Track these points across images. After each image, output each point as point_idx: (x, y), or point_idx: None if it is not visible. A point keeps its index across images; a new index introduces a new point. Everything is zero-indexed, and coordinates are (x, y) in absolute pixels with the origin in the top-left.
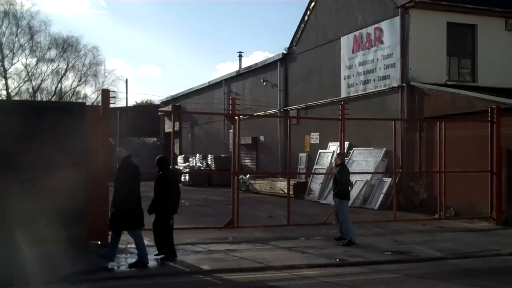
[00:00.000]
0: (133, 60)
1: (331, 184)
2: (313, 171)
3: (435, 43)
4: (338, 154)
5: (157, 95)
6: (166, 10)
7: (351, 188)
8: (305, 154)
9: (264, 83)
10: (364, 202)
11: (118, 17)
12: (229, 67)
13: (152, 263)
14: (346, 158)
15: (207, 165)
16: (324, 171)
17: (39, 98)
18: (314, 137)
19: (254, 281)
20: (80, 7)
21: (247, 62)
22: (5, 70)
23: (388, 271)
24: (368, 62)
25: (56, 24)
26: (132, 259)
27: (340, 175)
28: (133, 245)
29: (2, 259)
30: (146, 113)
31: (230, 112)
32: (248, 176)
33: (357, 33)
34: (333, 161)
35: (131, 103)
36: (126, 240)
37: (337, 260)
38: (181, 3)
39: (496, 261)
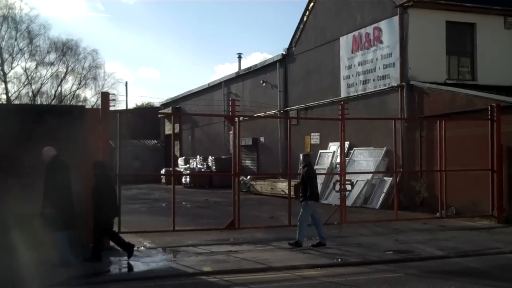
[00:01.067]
0: (132, 62)
1: (331, 185)
2: None
3: (434, 42)
4: (303, 156)
5: (157, 98)
6: (163, 12)
7: (352, 187)
8: None
9: (264, 84)
10: (365, 202)
11: (115, 20)
12: (228, 69)
13: (153, 265)
14: (346, 158)
15: (208, 166)
16: (324, 171)
17: (39, 102)
18: (314, 138)
19: (255, 282)
20: (78, 10)
21: (245, 63)
22: (4, 74)
23: (389, 271)
24: (367, 62)
25: (54, 27)
26: (135, 262)
27: (306, 176)
28: (135, 247)
29: (4, 263)
30: (146, 115)
31: (230, 113)
32: (249, 177)
33: (356, 33)
34: (334, 161)
35: (131, 105)
36: (128, 242)
37: (339, 260)
38: (178, 5)
39: (498, 259)
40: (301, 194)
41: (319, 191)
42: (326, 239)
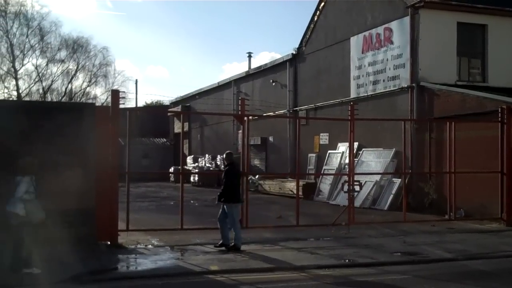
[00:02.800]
0: (140, 60)
1: (340, 185)
2: (322, 172)
3: (445, 43)
4: (225, 154)
5: (167, 96)
6: (171, 10)
7: (360, 188)
8: (314, 154)
9: (274, 84)
10: (374, 203)
11: (124, 17)
12: (236, 68)
13: (161, 263)
14: (355, 159)
15: (216, 165)
16: (333, 171)
17: (49, 99)
18: (324, 138)
19: (263, 281)
20: (87, 8)
21: (254, 62)
22: (16, 71)
23: (397, 272)
24: (377, 62)
25: (65, 25)
26: (143, 260)
27: (226, 176)
28: (142, 245)
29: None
30: (155, 113)
31: (239, 112)
32: (257, 176)
33: (366, 33)
34: (343, 161)
35: (140, 103)
36: (136, 240)
37: (347, 261)
38: (186, 3)
39: (506, 262)
40: (220, 195)
41: (329, 192)
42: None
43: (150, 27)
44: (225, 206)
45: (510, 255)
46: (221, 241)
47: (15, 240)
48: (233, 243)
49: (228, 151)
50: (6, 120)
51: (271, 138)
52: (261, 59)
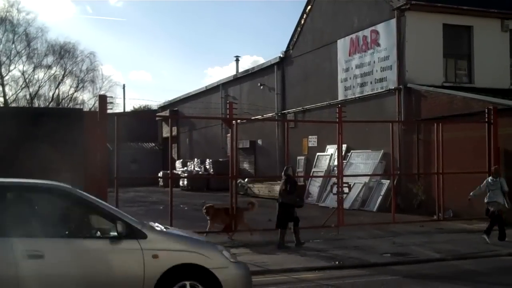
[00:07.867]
0: (123, 65)
1: (329, 187)
2: (311, 174)
3: (432, 45)
4: None
5: (153, 100)
6: (151, 16)
7: (349, 190)
8: (303, 157)
9: (261, 87)
10: (363, 204)
11: (105, 22)
12: (218, 72)
13: None
14: (344, 161)
15: (205, 169)
16: (322, 174)
17: (36, 105)
18: (312, 140)
19: (253, 284)
20: (66, 13)
21: (236, 66)
22: (2, 77)
23: (387, 273)
24: (365, 64)
25: (50, 31)
26: None
27: None
28: None
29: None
30: (143, 118)
31: (228, 116)
32: (246, 180)
33: (353, 35)
34: (331, 163)
35: (128, 108)
36: None
37: (337, 262)
38: (165, 8)
39: (495, 261)
40: None
41: (318, 194)
42: None
43: (131, 32)
44: None
45: (499, 255)
46: None
47: None
48: None
49: None
50: None
51: (259, 141)
52: (244, 63)
